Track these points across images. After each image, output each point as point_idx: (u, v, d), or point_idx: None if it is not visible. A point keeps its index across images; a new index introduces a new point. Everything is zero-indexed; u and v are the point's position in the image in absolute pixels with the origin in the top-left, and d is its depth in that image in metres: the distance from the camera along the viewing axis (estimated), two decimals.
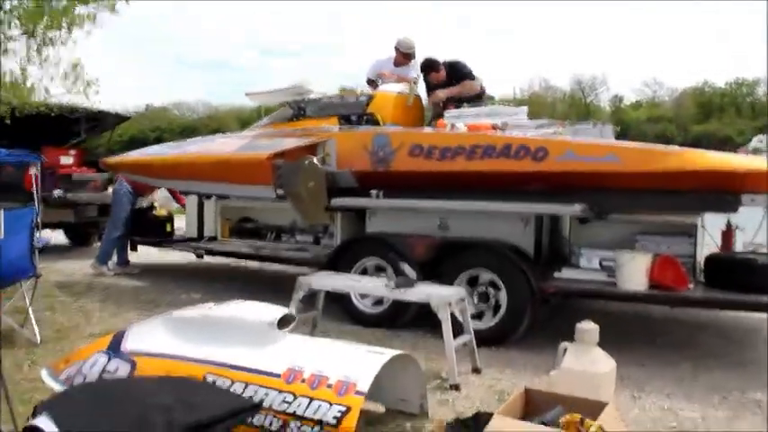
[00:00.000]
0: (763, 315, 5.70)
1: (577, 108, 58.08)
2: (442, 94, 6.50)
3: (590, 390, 3.21)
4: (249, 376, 3.10)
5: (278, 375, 3.09)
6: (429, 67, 6.68)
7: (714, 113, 53.96)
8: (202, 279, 8.07)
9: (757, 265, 4.78)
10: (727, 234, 5.66)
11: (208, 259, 8.30)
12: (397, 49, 7.08)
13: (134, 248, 8.34)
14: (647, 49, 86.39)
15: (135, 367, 3.40)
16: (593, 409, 2.90)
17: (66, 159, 10.53)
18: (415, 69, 7.04)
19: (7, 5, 7.80)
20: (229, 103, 66.13)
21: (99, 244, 10.66)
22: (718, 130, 50.02)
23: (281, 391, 3.00)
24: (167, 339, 3.56)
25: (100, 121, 11.34)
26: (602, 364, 3.41)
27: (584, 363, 3.37)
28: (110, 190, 9.80)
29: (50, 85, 9.10)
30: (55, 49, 8.41)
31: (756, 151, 5.10)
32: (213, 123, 62.97)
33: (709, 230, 5.69)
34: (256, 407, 2.72)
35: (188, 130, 62.23)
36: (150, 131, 55.66)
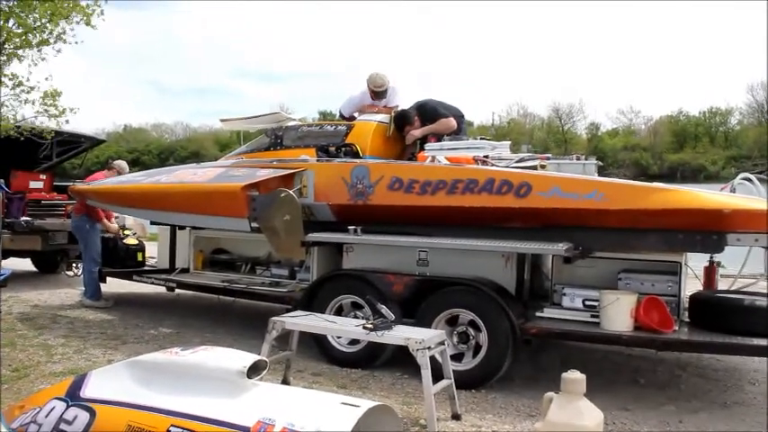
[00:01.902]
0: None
1: (555, 135, 58.83)
2: (417, 132, 6.30)
3: None
4: (217, 429, 2.90)
5: (247, 429, 2.89)
6: (403, 121, 6.40)
7: (688, 142, 54.89)
8: (174, 310, 7.82)
9: (743, 306, 4.68)
10: (710, 271, 5.60)
11: (181, 289, 8.06)
12: (368, 85, 6.92)
13: (103, 280, 8.06)
14: (623, 78, 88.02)
15: (95, 416, 3.19)
16: None
17: (36, 184, 10.23)
18: (394, 98, 6.89)
19: None
20: (209, 125, 66.06)
21: (68, 273, 10.42)
22: (693, 159, 50.83)
23: None
24: (130, 387, 3.35)
25: (73, 144, 11.07)
26: (589, 416, 3.25)
27: (571, 415, 3.21)
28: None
29: (23, 108, 8.86)
30: (24, 68, 8.19)
31: (740, 188, 5.01)
32: (192, 145, 62.74)
33: (692, 266, 5.63)
34: None
35: (166, 152, 61.99)
36: (127, 153, 55.29)
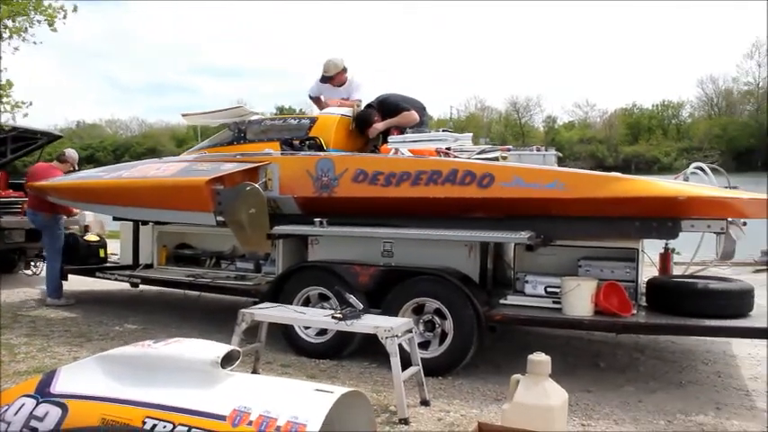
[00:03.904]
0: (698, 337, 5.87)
1: (513, 128, 59.45)
2: (380, 125, 6.35)
3: (543, 423, 3.18)
4: (193, 419, 2.91)
5: (223, 418, 2.92)
6: (364, 122, 6.44)
7: (642, 134, 56.03)
8: (138, 307, 7.77)
9: (697, 289, 4.87)
10: (665, 256, 5.79)
11: (144, 285, 8.00)
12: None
13: (64, 278, 7.94)
14: (579, 72, 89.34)
15: (67, 411, 3.17)
16: None
17: None
18: (356, 92, 6.95)
19: None
20: (165, 121, 65.07)
21: (27, 272, 10.23)
22: (647, 151, 51.94)
23: None
24: (103, 381, 3.33)
25: (28, 140, 10.83)
26: (555, 396, 3.37)
27: (537, 396, 3.33)
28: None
29: None
30: None
31: (693, 177, 5.20)
32: (148, 142, 61.79)
33: (648, 253, 5.82)
34: None
35: (121, 148, 60.89)
36: (81, 149, 54.14)
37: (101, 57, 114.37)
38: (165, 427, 2.93)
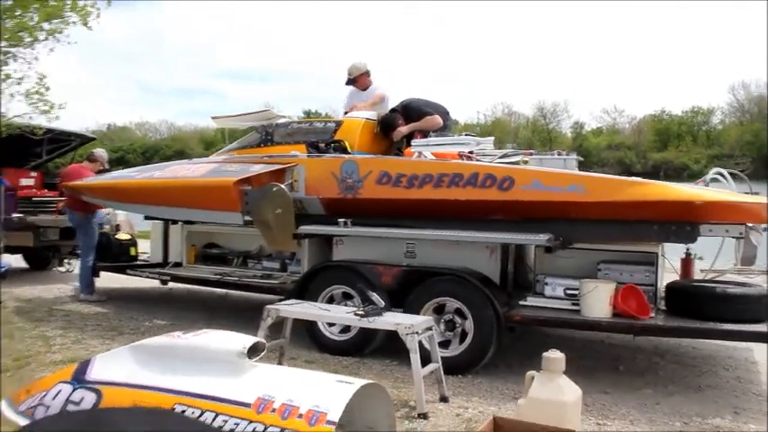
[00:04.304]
0: (719, 341, 5.90)
1: (540, 134, 59.17)
2: (404, 129, 6.48)
3: (557, 418, 3.27)
4: (219, 406, 3.06)
5: (248, 405, 3.07)
6: (388, 125, 6.60)
7: (671, 141, 55.32)
8: (167, 304, 7.98)
9: (715, 293, 4.91)
10: (687, 262, 5.83)
11: (173, 283, 8.20)
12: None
13: (96, 275, 8.19)
14: (608, 78, 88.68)
15: (101, 397, 3.34)
16: None
17: (27, 181, 10.33)
18: (378, 89, 7.17)
19: None
20: (193, 124, 65.80)
21: (61, 269, 10.52)
22: (676, 158, 51.31)
23: (251, 421, 2.97)
24: (135, 369, 3.50)
25: (63, 142, 11.16)
26: (569, 392, 3.47)
27: (551, 391, 3.43)
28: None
29: (10, 105, 8.88)
30: (17, 65, 8.23)
31: (714, 182, 5.25)
32: (177, 144, 62.56)
33: (669, 258, 5.87)
34: None
35: (151, 150, 61.72)
36: (112, 151, 54.98)
37: (131, 58, 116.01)
38: (193, 413, 3.08)
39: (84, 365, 3.68)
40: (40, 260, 10.93)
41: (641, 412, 4.41)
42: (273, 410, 3.02)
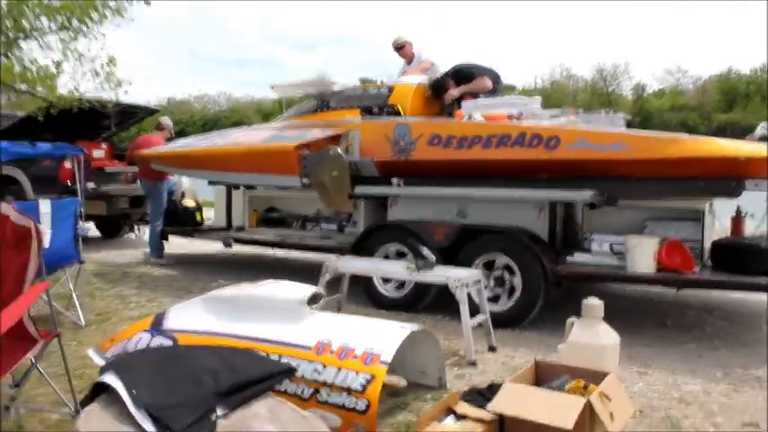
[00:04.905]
0: (765, 299, 5.95)
1: (599, 97, 57.85)
2: (455, 92, 6.67)
3: (594, 361, 3.49)
4: (283, 348, 3.38)
5: (309, 348, 3.38)
6: (440, 88, 6.81)
7: (739, 101, 53.40)
8: (231, 268, 8.38)
9: (759, 248, 4.99)
10: (737, 220, 5.89)
11: (235, 249, 8.61)
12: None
13: (165, 238, 8.70)
14: (670, 37, 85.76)
15: (176, 343, 3.68)
16: (597, 377, 3.18)
17: (99, 153, 10.85)
18: (422, 57, 7.45)
19: None
20: (250, 96, 66.67)
21: (131, 235, 11.11)
22: (743, 119, 49.52)
23: (311, 362, 3.28)
24: (206, 317, 3.85)
25: (130, 114, 11.66)
26: (607, 337, 3.67)
27: (590, 336, 3.64)
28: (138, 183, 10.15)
29: (81, 81, 9.38)
30: (87, 42, 8.68)
31: (763, 138, 5.29)
32: (235, 116, 63.60)
33: (721, 218, 5.92)
34: (291, 370, 3.00)
35: (210, 122, 62.91)
36: (174, 125, 56.25)
37: (183, 31, 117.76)
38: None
39: (161, 316, 4.05)
40: (112, 228, 11.54)
41: (683, 363, 4.56)
42: (331, 352, 3.33)
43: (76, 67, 9.05)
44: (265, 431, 2.44)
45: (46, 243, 3.69)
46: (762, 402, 3.81)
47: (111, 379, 2.49)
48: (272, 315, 3.69)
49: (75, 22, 7.89)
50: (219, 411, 2.43)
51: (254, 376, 2.65)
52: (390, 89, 6.83)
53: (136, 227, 11.09)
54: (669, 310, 6.14)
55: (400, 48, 7.47)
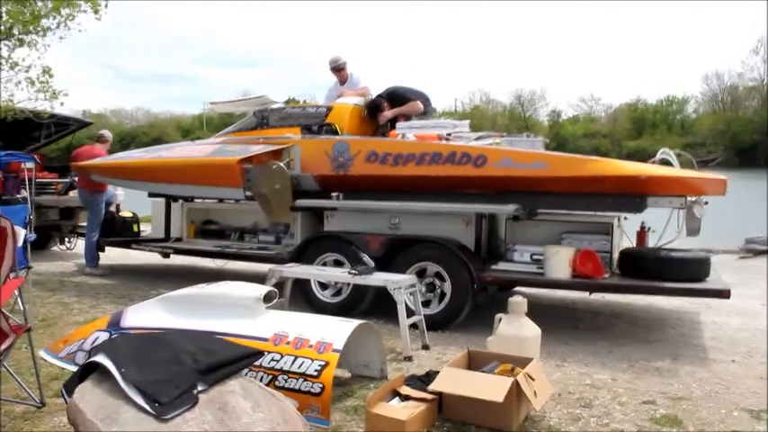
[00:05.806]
0: (667, 305, 6.63)
1: (517, 122, 59.94)
2: (389, 113, 7.17)
3: (520, 350, 3.99)
4: (241, 341, 3.64)
5: (266, 339, 3.73)
6: (375, 109, 7.26)
7: (646, 129, 56.27)
8: (168, 278, 8.55)
9: (660, 257, 5.65)
10: (641, 234, 6.56)
11: (171, 260, 8.79)
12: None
13: (101, 249, 8.79)
14: (584, 66, 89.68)
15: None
16: (522, 363, 3.69)
17: (29, 164, 10.78)
18: (359, 83, 7.87)
19: None
20: (169, 111, 65.65)
21: (62, 247, 11.06)
22: (650, 146, 52.17)
23: (269, 352, 3.63)
24: (165, 316, 4.09)
25: (62, 126, 11.64)
26: (530, 330, 4.19)
27: (515, 329, 4.15)
28: (71, 194, 10.19)
29: (16, 90, 9.40)
30: (24, 52, 8.72)
31: (663, 162, 5.98)
32: (154, 132, 62.43)
33: (627, 232, 6.59)
34: (260, 353, 3.33)
35: (128, 137, 61.54)
36: (88, 139, 54.65)
37: (106, 45, 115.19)
38: None
39: (118, 316, 4.29)
40: (41, 239, 11.42)
41: (595, 358, 5.13)
42: (288, 343, 3.70)
43: (10, 76, 9.09)
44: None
45: (20, 242, 3.88)
46: (658, 385, 4.39)
47: (102, 359, 2.79)
48: (229, 312, 3.99)
49: (16, 31, 7.95)
50: (200, 387, 2.75)
51: (229, 358, 2.99)
52: (329, 109, 7.25)
53: (66, 239, 11.05)
54: (582, 315, 6.76)
55: (341, 69, 7.86)
